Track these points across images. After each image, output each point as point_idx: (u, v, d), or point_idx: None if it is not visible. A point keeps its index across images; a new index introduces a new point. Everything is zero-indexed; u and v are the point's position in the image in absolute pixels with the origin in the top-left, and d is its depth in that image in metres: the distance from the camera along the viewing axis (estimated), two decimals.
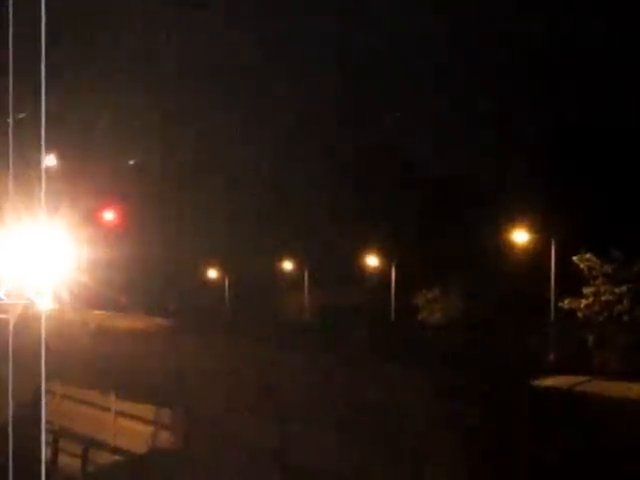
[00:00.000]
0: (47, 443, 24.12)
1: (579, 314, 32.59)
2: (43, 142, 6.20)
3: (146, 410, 25.81)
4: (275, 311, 48.52)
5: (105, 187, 38.38)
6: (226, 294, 56.30)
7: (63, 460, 25.52)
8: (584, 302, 32.57)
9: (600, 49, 37.52)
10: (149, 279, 49.75)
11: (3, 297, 7.28)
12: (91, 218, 33.16)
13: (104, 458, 25.19)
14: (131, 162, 47.39)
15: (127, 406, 26.57)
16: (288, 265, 52.95)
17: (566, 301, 32.96)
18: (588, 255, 32.75)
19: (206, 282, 58.29)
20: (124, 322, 40.00)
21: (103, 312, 42.74)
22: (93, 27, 42.18)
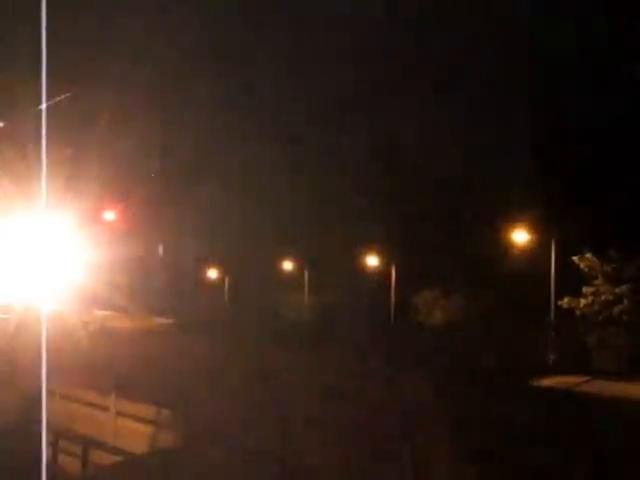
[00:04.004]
0: (48, 443, 24.12)
1: (577, 313, 32.67)
2: (44, 142, 6.21)
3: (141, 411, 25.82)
4: (276, 311, 48.51)
5: (108, 188, 38.40)
6: (225, 294, 56.34)
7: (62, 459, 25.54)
8: (583, 301, 32.65)
9: (600, 49, 37.53)
10: (151, 279, 49.75)
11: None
12: (94, 219, 33.23)
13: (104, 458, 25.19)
14: (152, 175, 47.48)
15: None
16: (288, 265, 52.95)
17: (565, 300, 33.03)
18: (588, 255, 32.82)
19: (208, 282, 58.31)
20: (127, 323, 40.08)
21: (106, 312, 42.79)
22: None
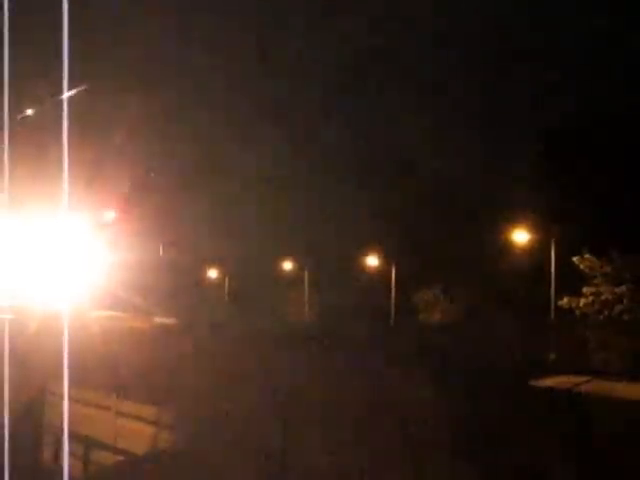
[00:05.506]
0: (48, 443, 24.23)
1: (577, 313, 32.71)
2: (65, 141, 6.15)
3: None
4: (276, 311, 48.57)
5: (118, 188, 38.39)
6: (225, 294, 56.41)
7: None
8: (583, 301, 32.70)
9: (601, 47, 37.59)
10: (151, 280, 49.67)
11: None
12: (104, 219, 33.15)
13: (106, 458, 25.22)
14: (152, 175, 47.37)
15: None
16: (288, 265, 53.02)
17: (565, 300, 33.07)
18: (588, 255, 32.87)
19: (208, 282, 58.40)
20: (131, 323, 40.09)
21: (108, 313, 42.81)
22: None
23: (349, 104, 47.50)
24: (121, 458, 24.65)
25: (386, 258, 45.58)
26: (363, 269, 47.47)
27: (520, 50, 40.10)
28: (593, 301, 32.50)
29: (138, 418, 25.77)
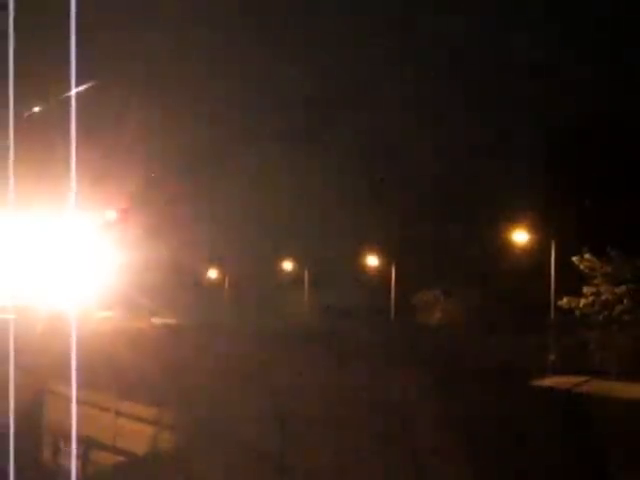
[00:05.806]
0: (48, 443, 24.25)
1: (577, 313, 32.69)
2: (73, 139, 6.09)
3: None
4: (276, 311, 48.59)
5: (119, 188, 38.37)
6: (225, 294, 56.39)
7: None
8: (583, 301, 32.68)
9: (600, 46, 37.60)
10: (159, 279, 49.69)
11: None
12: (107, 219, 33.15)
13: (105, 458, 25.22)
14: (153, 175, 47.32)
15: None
16: (288, 265, 53.01)
17: (565, 300, 33.04)
18: (587, 255, 32.85)
19: (208, 282, 58.40)
20: (135, 323, 40.14)
21: (114, 313, 42.85)
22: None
23: (349, 103, 47.47)
24: (121, 458, 24.66)
25: (386, 258, 45.57)
26: (363, 269, 47.45)
27: (521, 49, 40.11)
28: (593, 301, 32.47)
29: (138, 418, 25.78)
